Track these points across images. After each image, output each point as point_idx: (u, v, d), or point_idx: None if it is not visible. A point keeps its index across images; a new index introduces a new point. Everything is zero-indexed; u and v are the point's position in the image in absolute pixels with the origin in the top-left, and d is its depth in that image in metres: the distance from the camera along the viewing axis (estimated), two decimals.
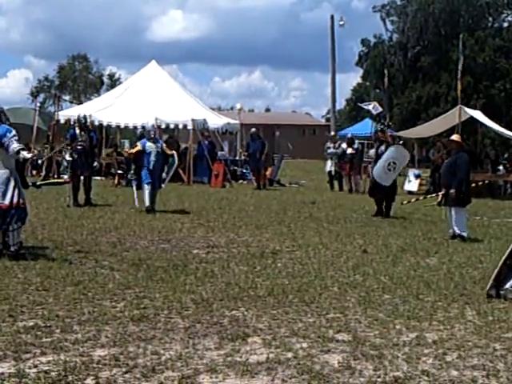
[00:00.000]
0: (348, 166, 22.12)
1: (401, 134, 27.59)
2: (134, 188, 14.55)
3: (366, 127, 38.24)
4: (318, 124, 75.76)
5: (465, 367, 5.08)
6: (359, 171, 22.85)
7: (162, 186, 14.55)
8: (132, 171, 14.59)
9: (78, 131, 15.13)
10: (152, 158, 14.15)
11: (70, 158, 14.97)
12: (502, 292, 7.23)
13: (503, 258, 7.31)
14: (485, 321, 6.39)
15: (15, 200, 8.40)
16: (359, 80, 67.48)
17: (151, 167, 14.12)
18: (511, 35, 51.82)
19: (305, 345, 5.48)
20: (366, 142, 33.67)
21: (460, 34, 27.23)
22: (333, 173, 23.06)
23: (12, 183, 8.43)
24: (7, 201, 8.38)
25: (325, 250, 10.17)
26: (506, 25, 55.25)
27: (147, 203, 13.82)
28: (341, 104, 74.97)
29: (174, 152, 14.89)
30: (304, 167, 39.71)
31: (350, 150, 22.38)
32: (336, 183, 22.96)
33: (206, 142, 24.55)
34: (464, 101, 23.94)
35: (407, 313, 6.57)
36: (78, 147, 14.91)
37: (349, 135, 24.96)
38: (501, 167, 24.59)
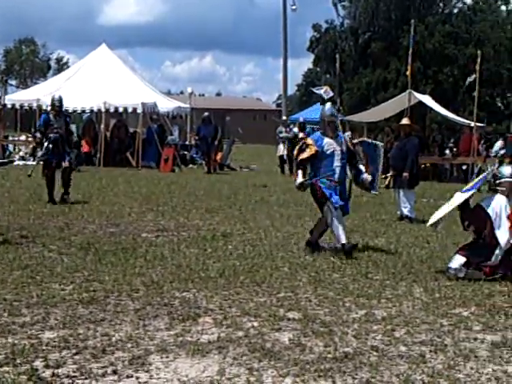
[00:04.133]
0: None
1: (351, 118, 27.83)
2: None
3: (316, 112, 38.41)
4: (268, 109, 76.06)
5: (413, 343, 5.17)
6: None
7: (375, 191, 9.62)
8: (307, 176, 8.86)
9: (51, 116, 13.06)
10: (336, 162, 8.71)
11: (43, 152, 12.91)
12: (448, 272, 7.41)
13: None
14: (432, 298, 6.52)
15: None
16: (310, 65, 67.80)
17: (336, 178, 8.69)
18: (460, 21, 52.53)
19: (256, 323, 5.51)
20: (316, 126, 33.81)
21: (410, 19, 27.48)
22: (285, 157, 23.19)
23: None
24: None
25: (276, 232, 10.21)
26: (455, 11, 56.00)
27: (342, 238, 8.50)
28: (292, 90, 75.29)
29: (366, 139, 10.30)
30: (254, 152, 39.73)
31: (301, 135, 22.47)
32: (286, 167, 23.08)
33: (155, 126, 24.36)
34: (413, 86, 24.19)
35: (356, 291, 6.66)
36: (53, 134, 12.81)
37: (300, 119, 25.08)
38: (447, 151, 25.04)
